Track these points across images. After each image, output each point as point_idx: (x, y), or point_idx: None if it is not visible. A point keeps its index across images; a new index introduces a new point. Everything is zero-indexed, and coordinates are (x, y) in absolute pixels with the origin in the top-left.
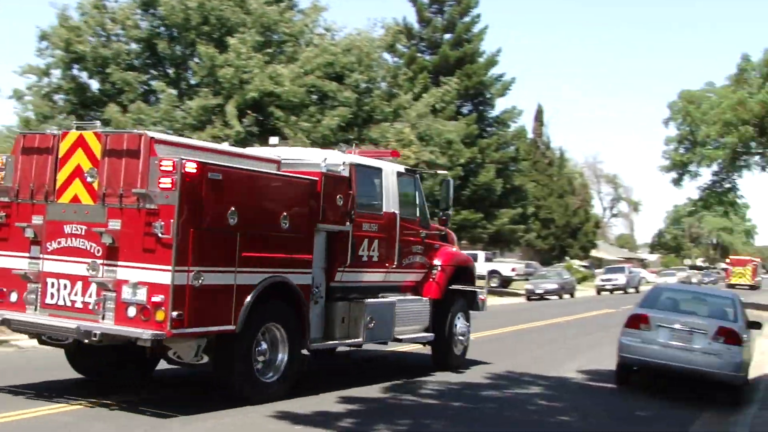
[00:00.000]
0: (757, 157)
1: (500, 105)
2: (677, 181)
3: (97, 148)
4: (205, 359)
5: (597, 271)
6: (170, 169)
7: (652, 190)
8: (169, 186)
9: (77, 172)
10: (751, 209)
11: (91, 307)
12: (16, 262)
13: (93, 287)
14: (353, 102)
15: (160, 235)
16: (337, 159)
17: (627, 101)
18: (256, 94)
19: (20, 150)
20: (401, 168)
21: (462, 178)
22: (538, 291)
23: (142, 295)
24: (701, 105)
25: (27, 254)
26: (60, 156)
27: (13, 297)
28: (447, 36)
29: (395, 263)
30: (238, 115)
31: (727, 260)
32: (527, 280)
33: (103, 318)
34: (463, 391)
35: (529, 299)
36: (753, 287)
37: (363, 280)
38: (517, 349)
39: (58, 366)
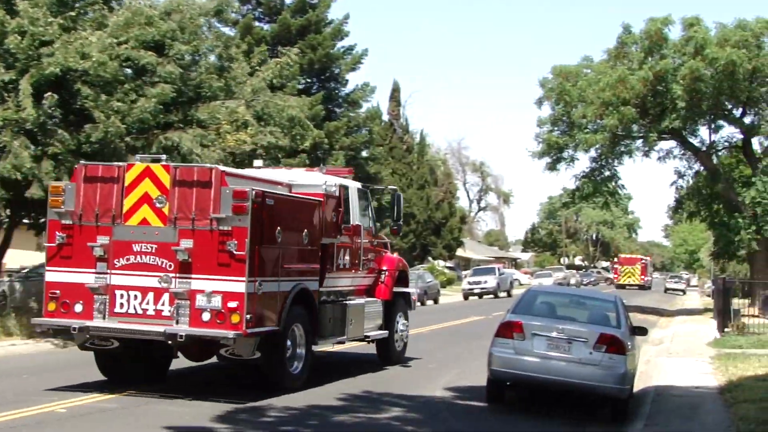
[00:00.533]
0: (639, 142)
1: (350, 82)
2: (552, 167)
3: (165, 178)
4: (258, 354)
5: (464, 273)
6: (243, 197)
7: (525, 180)
8: (243, 211)
9: (145, 198)
10: (634, 200)
11: (164, 314)
12: (82, 277)
13: (165, 297)
14: (177, 77)
15: (234, 251)
16: (332, 181)
17: (497, 79)
18: (57, 69)
19: (82, 178)
20: (359, 184)
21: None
22: None
23: (216, 302)
24: (577, 82)
25: (93, 270)
26: (126, 185)
27: (78, 308)
28: (288, 1)
29: (359, 269)
30: (36, 95)
31: (616, 259)
32: None
33: (177, 323)
34: (311, 413)
35: None
36: (643, 287)
37: (338, 285)
38: (375, 364)
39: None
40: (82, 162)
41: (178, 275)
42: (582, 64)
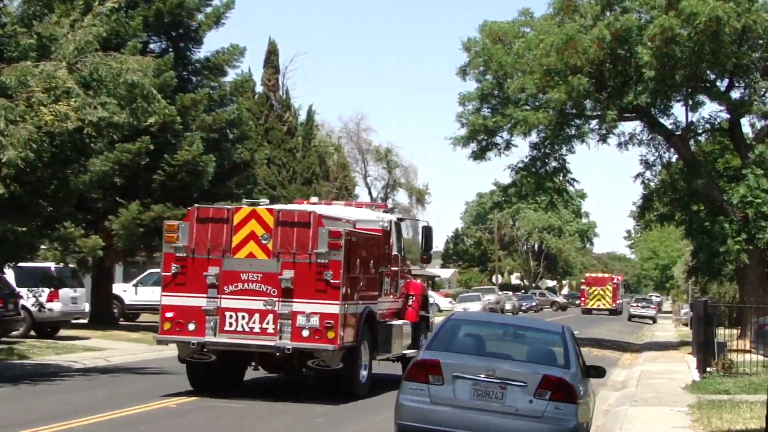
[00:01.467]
0: (593, 123)
1: (213, 42)
2: (479, 155)
3: (269, 219)
4: (341, 365)
5: None
6: (338, 236)
7: (445, 173)
8: (338, 247)
9: (252, 236)
10: (588, 200)
11: (269, 331)
12: (194, 300)
13: (270, 317)
14: None
15: (330, 280)
16: (385, 217)
17: (409, 43)
18: None
19: (195, 219)
20: (396, 217)
21: (153, 153)
22: None
23: (315, 321)
24: (513, 45)
25: (205, 295)
26: (235, 224)
27: (191, 326)
28: None
29: (396, 294)
30: None
31: (583, 279)
32: None
33: (280, 338)
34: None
35: None
36: (614, 312)
37: (383, 308)
38: (277, 409)
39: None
40: (196, 205)
41: (281, 299)
42: (519, 20)
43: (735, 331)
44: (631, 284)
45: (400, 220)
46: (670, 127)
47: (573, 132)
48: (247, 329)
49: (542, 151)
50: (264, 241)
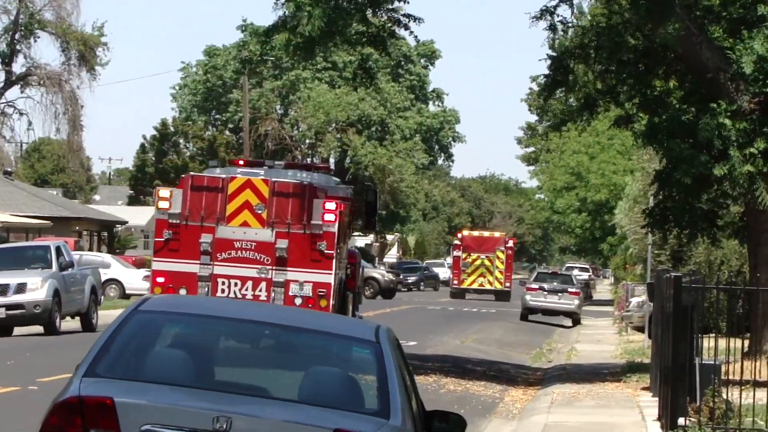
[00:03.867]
0: None
1: None
2: None
3: (264, 189)
4: None
5: None
6: (333, 208)
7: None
8: (333, 219)
9: (246, 205)
10: (439, 68)
11: (261, 298)
12: (187, 266)
13: (263, 285)
14: None
15: (325, 250)
16: (345, 185)
17: None
18: None
19: (189, 186)
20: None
21: None
22: None
23: (308, 290)
24: None
25: (198, 261)
26: (229, 193)
27: (182, 292)
28: None
29: (345, 262)
30: None
31: (456, 240)
32: None
33: None
34: None
35: None
36: (501, 296)
37: (343, 278)
38: None
39: None
40: (190, 173)
41: (275, 267)
42: None
43: (737, 342)
44: (529, 244)
45: (344, 182)
46: None
47: None
48: (239, 295)
49: None
50: (259, 211)
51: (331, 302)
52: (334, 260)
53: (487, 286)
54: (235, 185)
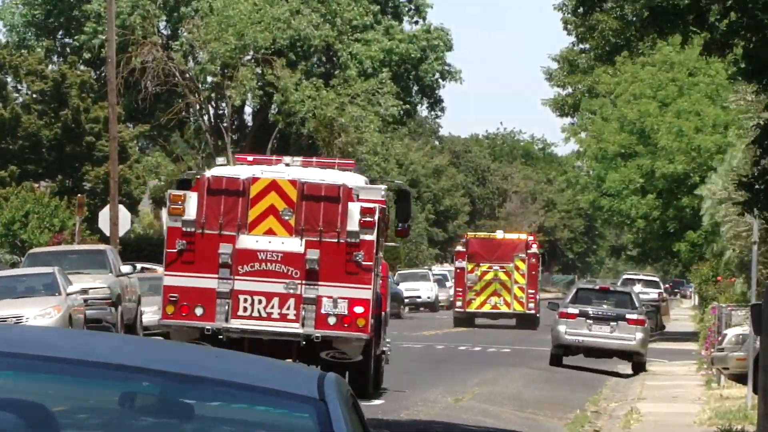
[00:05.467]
0: None
1: None
2: None
3: (292, 192)
4: (360, 357)
5: None
6: (372, 213)
7: None
8: (371, 226)
9: (271, 210)
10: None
11: (289, 317)
12: (204, 281)
13: (291, 301)
14: None
15: (362, 262)
16: (380, 186)
17: None
18: None
19: (205, 189)
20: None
21: None
22: None
23: (343, 307)
24: None
25: (216, 275)
26: (251, 197)
27: (199, 311)
28: None
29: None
30: None
31: (459, 246)
32: None
33: (303, 326)
34: None
35: None
36: (525, 321)
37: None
38: None
39: None
40: (205, 174)
41: (304, 282)
42: None
43: None
44: (565, 245)
45: (372, 181)
46: None
47: None
48: (264, 314)
49: None
50: (285, 217)
51: (371, 321)
52: (372, 273)
53: (504, 309)
54: (259, 187)
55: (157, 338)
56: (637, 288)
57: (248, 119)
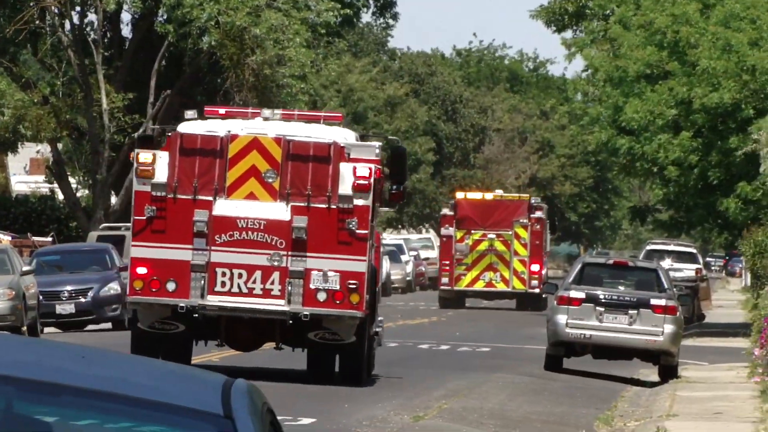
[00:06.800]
0: None
1: None
2: None
3: (276, 151)
4: (354, 338)
5: None
6: (367, 174)
7: None
8: (366, 189)
9: (252, 172)
10: None
11: (273, 293)
12: (176, 253)
13: (276, 275)
14: None
15: (356, 230)
16: (375, 142)
17: None
18: None
19: (178, 148)
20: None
21: None
22: None
23: (334, 281)
24: None
25: (190, 246)
26: (230, 156)
27: (171, 286)
28: None
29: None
30: None
31: (445, 209)
32: None
33: (289, 302)
34: None
35: None
36: (526, 302)
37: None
38: None
39: None
40: (177, 130)
41: (291, 253)
42: None
43: None
44: (566, 204)
45: (363, 138)
46: None
47: None
48: (245, 290)
49: None
50: (269, 180)
51: (366, 296)
52: (367, 243)
53: (501, 287)
54: (238, 146)
55: (2, 333)
56: (667, 263)
57: (126, 30)
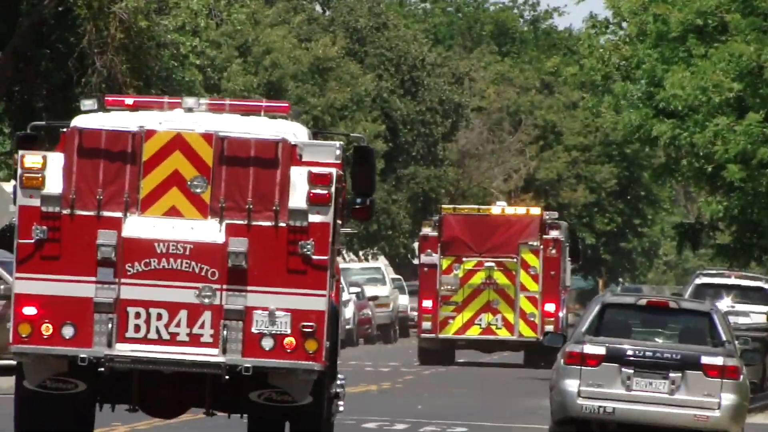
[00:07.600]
0: None
1: None
2: None
3: (205, 151)
4: (310, 399)
5: None
6: (325, 182)
7: None
8: (326, 201)
9: (175, 179)
10: None
11: (204, 339)
12: (74, 287)
13: (207, 316)
14: None
15: (312, 255)
16: (335, 142)
17: None
18: None
19: (76, 148)
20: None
21: None
22: None
23: (284, 324)
24: None
25: (93, 279)
26: (145, 159)
27: (68, 331)
28: None
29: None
30: None
31: (429, 221)
32: None
33: (224, 352)
34: None
35: None
36: (536, 354)
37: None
38: None
39: None
40: (74, 125)
41: (226, 287)
42: None
43: None
44: (579, 215)
45: (316, 135)
46: None
47: None
48: (166, 336)
49: None
50: (197, 190)
51: (325, 345)
52: (327, 272)
53: (503, 334)
54: (156, 145)
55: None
56: (725, 303)
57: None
